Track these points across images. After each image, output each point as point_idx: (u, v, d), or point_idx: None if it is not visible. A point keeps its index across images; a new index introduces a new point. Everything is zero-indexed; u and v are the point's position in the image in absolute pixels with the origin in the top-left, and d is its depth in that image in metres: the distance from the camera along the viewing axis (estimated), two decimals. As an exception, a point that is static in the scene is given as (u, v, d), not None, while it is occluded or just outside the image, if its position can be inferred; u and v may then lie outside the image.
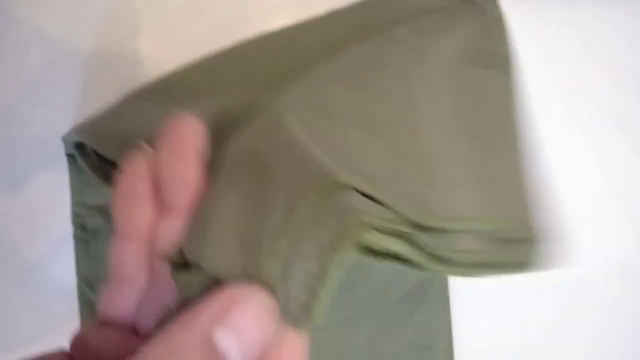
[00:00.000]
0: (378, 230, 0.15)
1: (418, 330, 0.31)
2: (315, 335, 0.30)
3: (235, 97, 0.26)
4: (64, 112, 0.31)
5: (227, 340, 0.12)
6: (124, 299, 0.17)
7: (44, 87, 0.31)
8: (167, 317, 0.15)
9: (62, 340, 0.17)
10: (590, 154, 0.31)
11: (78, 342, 0.17)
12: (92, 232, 0.31)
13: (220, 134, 0.18)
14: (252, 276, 0.14)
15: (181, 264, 0.16)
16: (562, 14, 0.32)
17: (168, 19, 0.31)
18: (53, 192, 0.31)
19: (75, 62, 0.31)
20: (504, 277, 0.31)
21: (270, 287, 0.14)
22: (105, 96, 0.30)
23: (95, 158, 0.28)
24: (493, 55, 0.28)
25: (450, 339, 0.31)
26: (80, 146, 0.28)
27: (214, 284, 0.14)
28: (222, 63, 0.29)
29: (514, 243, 0.19)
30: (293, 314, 0.15)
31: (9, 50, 0.31)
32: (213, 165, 0.17)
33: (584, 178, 0.31)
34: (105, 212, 0.31)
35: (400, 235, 0.16)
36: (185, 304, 0.14)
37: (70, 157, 0.31)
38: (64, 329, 0.19)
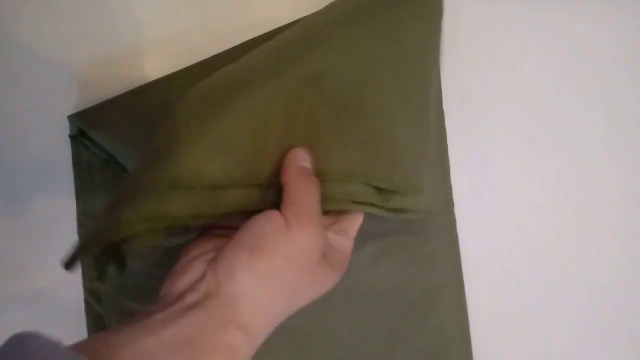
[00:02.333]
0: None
1: (433, 336, 0.30)
2: (329, 344, 0.29)
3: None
4: (65, 123, 0.31)
5: None
6: None
7: (45, 97, 0.31)
8: None
9: None
10: (606, 151, 0.31)
11: None
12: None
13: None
14: None
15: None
16: (571, 11, 0.31)
17: (169, 30, 0.31)
18: (58, 204, 0.31)
19: (77, 73, 0.31)
20: (522, 283, 0.31)
21: None
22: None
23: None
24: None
25: (467, 345, 0.30)
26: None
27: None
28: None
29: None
30: None
31: (11, 62, 0.31)
32: None
33: (600, 176, 0.31)
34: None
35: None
36: None
37: (73, 139, 0.31)
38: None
